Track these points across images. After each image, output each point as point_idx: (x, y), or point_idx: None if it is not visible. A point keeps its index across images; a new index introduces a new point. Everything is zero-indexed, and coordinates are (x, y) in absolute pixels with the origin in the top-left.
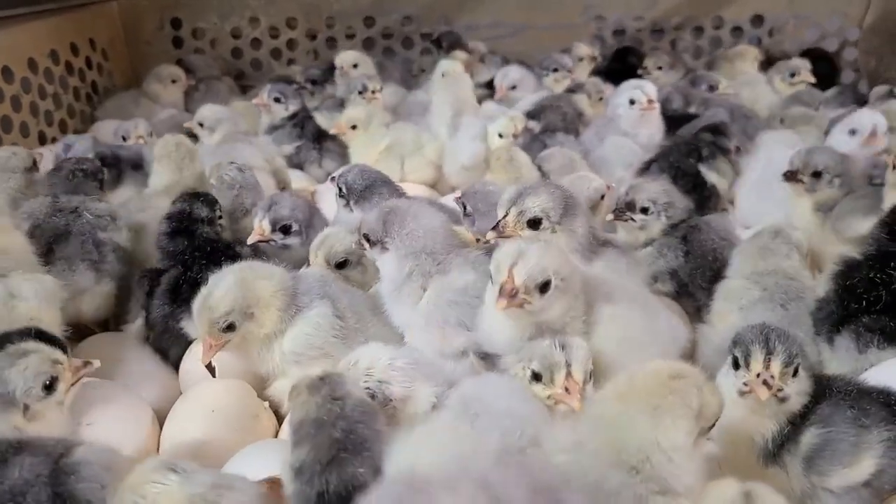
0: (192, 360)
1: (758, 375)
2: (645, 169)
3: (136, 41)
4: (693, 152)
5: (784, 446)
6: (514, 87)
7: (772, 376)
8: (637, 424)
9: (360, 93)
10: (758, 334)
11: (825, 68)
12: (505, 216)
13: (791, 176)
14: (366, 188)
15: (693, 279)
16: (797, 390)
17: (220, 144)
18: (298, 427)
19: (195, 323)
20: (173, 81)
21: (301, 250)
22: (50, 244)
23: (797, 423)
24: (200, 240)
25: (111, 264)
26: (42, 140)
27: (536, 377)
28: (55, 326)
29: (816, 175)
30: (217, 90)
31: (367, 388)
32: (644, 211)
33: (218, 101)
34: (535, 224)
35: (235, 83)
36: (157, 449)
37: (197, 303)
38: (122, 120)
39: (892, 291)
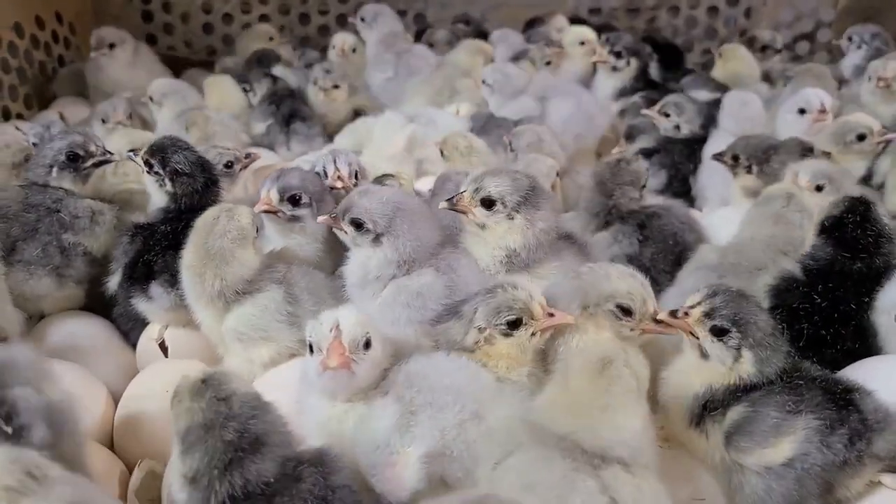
0: (147, 339)
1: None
2: (647, 156)
3: (104, 15)
4: (694, 154)
5: (709, 413)
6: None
7: (685, 313)
8: (593, 427)
9: (313, 83)
10: (712, 287)
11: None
12: (462, 191)
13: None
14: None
15: (655, 264)
16: (721, 356)
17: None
18: (186, 434)
19: None
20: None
21: (313, 223)
22: (14, 243)
23: (727, 397)
24: None
25: (77, 269)
26: (6, 115)
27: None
28: None
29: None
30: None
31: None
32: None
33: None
34: (488, 204)
35: (207, 58)
36: (112, 430)
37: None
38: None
39: (814, 323)
